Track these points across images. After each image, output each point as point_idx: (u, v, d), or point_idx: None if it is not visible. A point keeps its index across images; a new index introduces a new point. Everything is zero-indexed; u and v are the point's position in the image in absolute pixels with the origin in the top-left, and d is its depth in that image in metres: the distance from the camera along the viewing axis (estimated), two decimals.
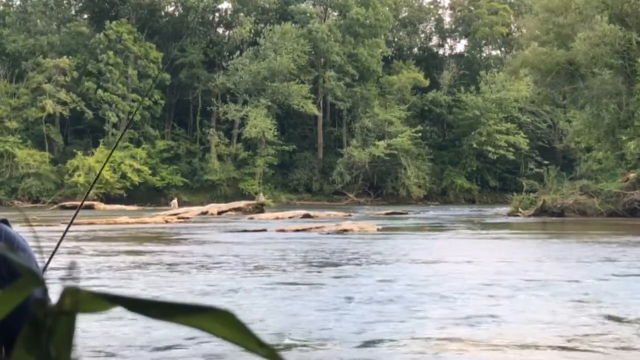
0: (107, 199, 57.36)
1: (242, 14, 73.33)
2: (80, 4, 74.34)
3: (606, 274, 12.77)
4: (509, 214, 39.40)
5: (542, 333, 7.73)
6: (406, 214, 41.78)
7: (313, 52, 68.61)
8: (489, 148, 68.82)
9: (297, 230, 25.22)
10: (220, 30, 76.40)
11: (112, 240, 20.99)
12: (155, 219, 32.64)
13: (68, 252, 16.77)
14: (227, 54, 69.27)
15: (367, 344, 7.30)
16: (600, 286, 11.35)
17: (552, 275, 12.59)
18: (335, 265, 14.50)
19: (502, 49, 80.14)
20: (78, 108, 63.38)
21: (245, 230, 25.26)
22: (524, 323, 8.28)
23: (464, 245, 20.10)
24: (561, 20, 40.49)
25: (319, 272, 13.38)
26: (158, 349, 7.00)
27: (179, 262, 14.92)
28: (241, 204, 43.97)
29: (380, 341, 7.39)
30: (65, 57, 63.34)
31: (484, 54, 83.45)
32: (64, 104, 62.84)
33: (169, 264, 14.55)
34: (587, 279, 12.22)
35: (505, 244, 20.37)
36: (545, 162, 63.25)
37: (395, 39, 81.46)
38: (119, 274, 12.90)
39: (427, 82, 71.56)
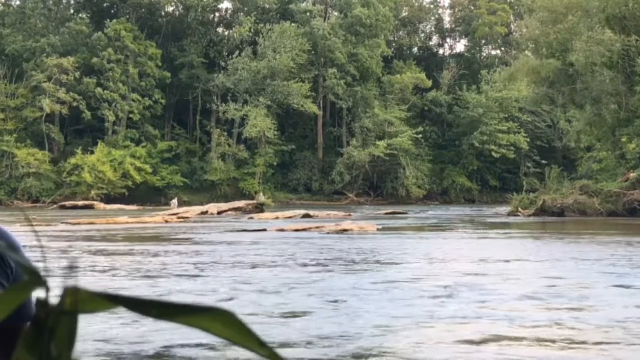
0: (107, 199, 57.39)
1: (242, 13, 73.33)
2: (79, 4, 74.30)
3: (607, 274, 12.77)
4: (509, 214, 39.41)
5: (544, 330, 7.73)
6: (406, 214, 41.77)
7: (313, 52, 68.60)
8: (491, 147, 68.77)
9: (297, 230, 25.22)
10: (220, 30, 76.37)
11: (112, 241, 20.98)
12: (155, 219, 32.62)
13: (68, 252, 16.77)
14: (227, 54, 69.24)
15: (378, 342, 7.30)
16: (601, 286, 11.35)
17: (553, 275, 12.59)
18: (337, 264, 14.49)
19: (502, 48, 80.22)
20: (81, 107, 63.31)
21: (245, 230, 25.26)
22: (537, 321, 8.28)
23: (465, 245, 20.08)
24: (561, 26, 40.47)
25: (320, 272, 13.37)
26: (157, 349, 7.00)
27: (179, 262, 14.91)
28: (241, 203, 43.98)
29: (388, 340, 7.39)
30: (68, 57, 63.30)
31: (484, 54, 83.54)
32: (64, 103, 62.77)
33: (169, 264, 14.54)
34: (588, 279, 12.22)
35: (505, 244, 20.36)
36: (544, 162, 63.27)
37: (396, 39, 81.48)
38: (119, 274, 12.89)
39: (429, 83, 71.58)
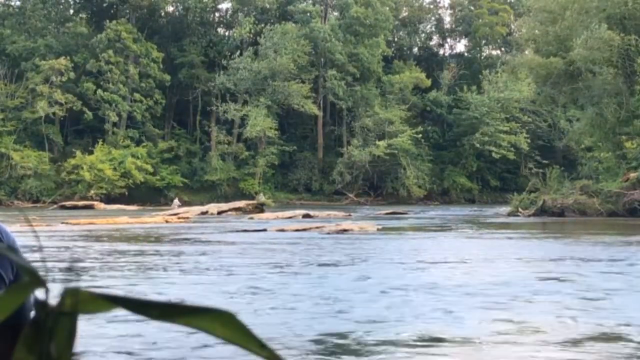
0: (107, 199, 57.37)
1: (241, 14, 73.33)
2: (79, 4, 74.30)
3: (604, 273, 12.77)
4: (509, 214, 39.40)
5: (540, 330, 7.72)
6: (406, 213, 41.75)
7: (313, 52, 68.61)
8: (492, 148, 68.79)
9: (298, 230, 25.21)
10: (220, 30, 76.40)
11: (112, 241, 20.96)
12: (156, 218, 32.60)
13: (67, 253, 16.76)
14: (229, 53, 69.23)
15: (376, 342, 7.29)
16: (598, 286, 11.35)
17: (548, 275, 12.59)
18: (337, 264, 14.48)
19: (502, 49, 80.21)
20: (75, 108, 63.26)
21: (245, 230, 25.24)
22: (523, 322, 8.28)
23: (464, 245, 20.09)
24: (558, 26, 40.47)
25: (319, 271, 13.36)
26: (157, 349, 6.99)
27: (179, 262, 14.90)
28: (241, 203, 43.95)
29: (388, 340, 7.38)
30: (62, 57, 63.16)
31: (484, 54, 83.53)
32: (61, 104, 62.72)
33: (169, 265, 14.53)
34: (585, 278, 12.22)
35: (505, 244, 20.36)
36: (545, 161, 63.24)
37: (396, 39, 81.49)
38: (120, 275, 12.88)
39: (429, 82, 71.59)
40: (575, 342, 7.29)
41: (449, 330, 7.84)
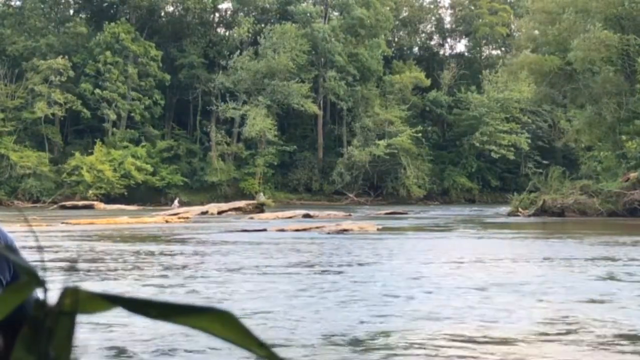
0: (107, 199, 57.36)
1: (241, 13, 73.31)
2: (78, 4, 74.29)
3: (603, 274, 12.76)
4: (509, 214, 39.39)
5: (537, 329, 7.72)
6: (406, 213, 41.76)
7: (313, 52, 68.60)
8: (492, 147, 68.75)
9: (297, 230, 25.20)
10: (220, 30, 76.40)
11: (112, 241, 20.94)
12: (156, 218, 32.60)
13: (67, 253, 16.75)
14: (229, 53, 69.20)
15: (373, 343, 7.29)
16: (595, 286, 11.34)
17: (545, 275, 12.58)
18: (336, 264, 14.48)
19: (502, 49, 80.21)
20: (74, 107, 63.24)
21: (245, 230, 25.22)
22: (517, 321, 8.27)
23: (463, 244, 20.07)
24: (556, 27, 40.47)
25: (319, 272, 13.36)
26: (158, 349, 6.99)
27: (179, 263, 14.89)
28: (241, 203, 43.96)
29: (381, 339, 7.38)
30: (60, 57, 63.11)
31: (484, 54, 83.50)
32: (60, 105, 62.69)
33: (169, 265, 14.52)
34: (582, 279, 12.21)
35: (515, 243, 20.35)
36: (545, 161, 63.21)
37: (396, 39, 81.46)
38: (118, 274, 12.87)
39: (428, 82, 71.57)
40: (627, 341, 7.30)
41: (499, 328, 7.88)
